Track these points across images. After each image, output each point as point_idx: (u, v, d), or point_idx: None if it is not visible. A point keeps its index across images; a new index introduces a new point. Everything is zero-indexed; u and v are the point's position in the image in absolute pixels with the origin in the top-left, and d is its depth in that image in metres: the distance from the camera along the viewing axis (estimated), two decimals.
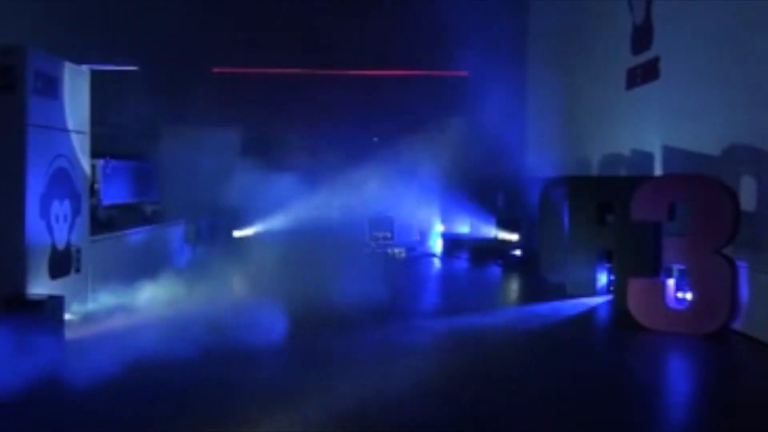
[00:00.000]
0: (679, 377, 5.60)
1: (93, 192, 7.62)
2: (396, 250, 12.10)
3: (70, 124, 6.54)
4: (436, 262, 11.35)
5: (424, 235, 12.57)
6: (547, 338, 6.41)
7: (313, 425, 4.06)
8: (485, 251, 10.92)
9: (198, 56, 13.86)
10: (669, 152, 8.28)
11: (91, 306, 6.80)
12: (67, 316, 5.91)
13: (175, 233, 10.02)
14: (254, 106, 13.51)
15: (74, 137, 6.63)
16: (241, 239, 11.81)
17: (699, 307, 6.31)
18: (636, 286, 6.70)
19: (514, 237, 11.01)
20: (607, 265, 8.01)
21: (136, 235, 8.45)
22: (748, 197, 6.59)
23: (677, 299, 6.74)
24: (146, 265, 8.55)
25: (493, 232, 11.44)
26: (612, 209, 7.71)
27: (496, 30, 12.43)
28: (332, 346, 5.79)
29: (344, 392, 4.62)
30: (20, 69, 5.73)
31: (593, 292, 8.02)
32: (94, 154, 7.38)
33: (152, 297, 7.54)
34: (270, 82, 14.14)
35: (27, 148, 5.79)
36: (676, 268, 6.87)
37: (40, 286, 5.90)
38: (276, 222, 12.07)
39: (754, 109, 6.64)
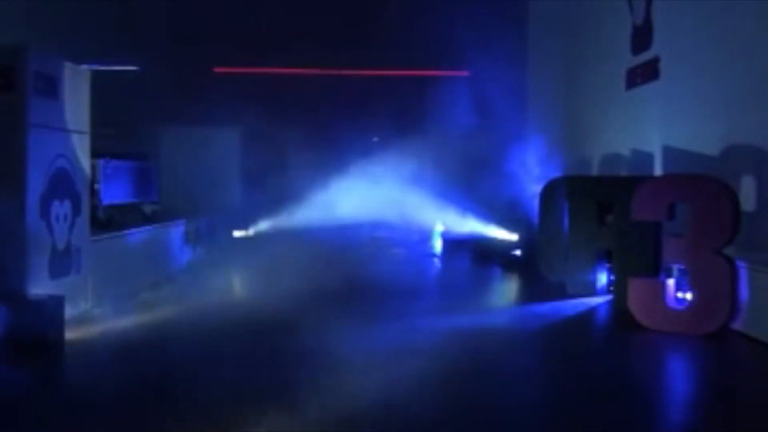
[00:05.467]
0: (679, 377, 5.60)
1: (93, 192, 7.60)
2: (396, 250, 12.10)
3: (70, 124, 6.54)
4: (436, 262, 11.35)
5: (424, 235, 12.57)
6: (547, 338, 6.41)
7: (313, 424, 4.06)
8: (485, 251, 10.91)
9: (198, 56, 13.86)
10: (669, 152, 8.29)
11: (91, 306, 6.80)
12: (67, 316, 5.90)
13: (175, 233, 10.02)
14: (255, 106, 13.51)
15: (74, 137, 6.63)
16: (241, 239, 11.83)
17: (699, 307, 6.31)
18: (636, 286, 6.70)
19: (514, 237, 11.01)
20: (607, 265, 8.01)
21: (136, 235, 8.44)
22: (748, 197, 6.59)
23: (677, 299, 6.74)
24: (146, 266, 8.56)
25: (493, 232, 11.43)
26: (612, 209, 7.71)
27: (496, 29, 12.42)
28: (332, 345, 5.78)
29: (344, 391, 4.62)
30: (20, 69, 5.73)
31: (593, 292, 8.02)
32: (94, 154, 7.38)
33: (153, 298, 7.56)
34: (270, 82, 14.15)
35: (27, 148, 5.79)
36: (676, 268, 6.87)
37: (40, 286, 5.90)
38: (276, 222, 12.08)
39: (754, 109, 6.64)
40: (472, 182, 12.18)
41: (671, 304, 6.60)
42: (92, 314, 6.65)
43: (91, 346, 5.72)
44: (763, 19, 6.53)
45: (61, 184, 6.35)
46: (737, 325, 6.28)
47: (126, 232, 8.26)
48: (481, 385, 4.97)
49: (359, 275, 9.80)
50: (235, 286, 8.18)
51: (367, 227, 13.05)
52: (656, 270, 6.81)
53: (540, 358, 5.88)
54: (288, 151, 13.16)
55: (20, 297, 5.64)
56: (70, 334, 5.74)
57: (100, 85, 7.30)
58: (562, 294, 8.07)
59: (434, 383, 4.89)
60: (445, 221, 12.31)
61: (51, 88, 6.14)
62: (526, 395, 4.79)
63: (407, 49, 13.56)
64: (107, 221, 8.17)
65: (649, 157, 8.71)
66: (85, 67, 6.96)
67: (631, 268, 6.97)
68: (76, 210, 6.63)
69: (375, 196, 12.76)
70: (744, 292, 6.21)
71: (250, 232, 12.11)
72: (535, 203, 9.39)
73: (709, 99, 7.44)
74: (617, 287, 7.42)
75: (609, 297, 7.84)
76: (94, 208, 7.68)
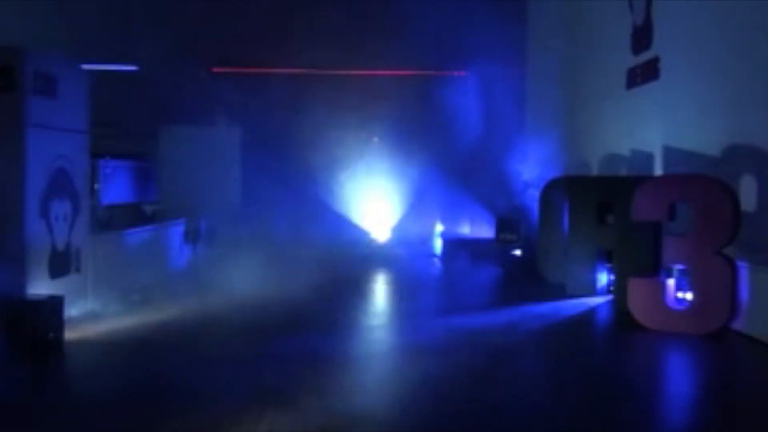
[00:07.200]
0: (679, 377, 5.60)
1: (93, 192, 7.60)
2: (396, 251, 12.10)
3: (70, 124, 6.54)
4: (436, 263, 11.35)
5: (424, 236, 12.57)
6: (547, 338, 6.41)
7: (313, 424, 4.05)
8: (485, 251, 10.91)
9: (198, 56, 13.85)
10: (669, 152, 8.28)
11: (90, 305, 6.79)
12: (66, 316, 5.90)
13: (175, 233, 10.02)
14: (255, 106, 13.51)
15: (74, 137, 6.63)
16: (241, 239, 11.81)
17: (699, 307, 6.31)
18: (636, 286, 6.70)
19: (513, 237, 11.00)
20: (607, 265, 8.01)
21: (135, 235, 8.44)
22: (748, 197, 6.59)
23: (677, 299, 6.74)
24: (146, 265, 8.56)
25: (492, 232, 11.43)
26: (612, 209, 7.71)
27: (496, 30, 12.42)
28: (332, 345, 5.79)
29: (345, 391, 4.62)
30: (20, 69, 5.73)
31: (593, 292, 8.02)
32: (94, 154, 7.38)
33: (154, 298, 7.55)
34: (270, 82, 14.14)
35: (27, 148, 5.79)
36: (676, 268, 6.87)
37: (40, 286, 5.90)
38: (275, 222, 12.07)
39: (754, 109, 6.64)
40: (472, 182, 12.18)
41: (671, 304, 6.60)
42: (92, 314, 6.65)
43: (91, 345, 5.71)
44: (763, 19, 6.53)
45: (61, 184, 6.35)
46: (737, 325, 6.28)
47: (126, 232, 8.25)
48: (481, 384, 4.97)
49: (359, 275, 9.80)
50: (236, 287, 8.18)
51: (367, 226, 13.04)
52: (656, 270, 6.81)
53: (540, 358, 5.88)
54: (287, 150, 13.16)
55: (20, 297, 5.64)
56: (70, 334, 5.74)
57: (100, 85, 7.30)
58: (562, 294, 8.07)
59: (434, 382, 4.89)
60: (445, 222, 12.31)
61: (51, 88, 6.14)
62: (526, 395, 4.79)
63: (407, 49, 13.56)
64: (107, 221, 8.16)
65: (649, 157, 8.71)
66: (85, 67, 6.96)
67: (631, 268, 6.97)
68: (76, 210, 6.63)
69: (374, 195, 12.77)
70: (744, 292, 6.21)
71: (251, 231, 12.09)
72: (535, 203, 9.39)
73: (709, 99, 7.44)
74: (617, 287, 7.42)
75: (609, 297, 7.84)
76: (94, 208, 7.68)
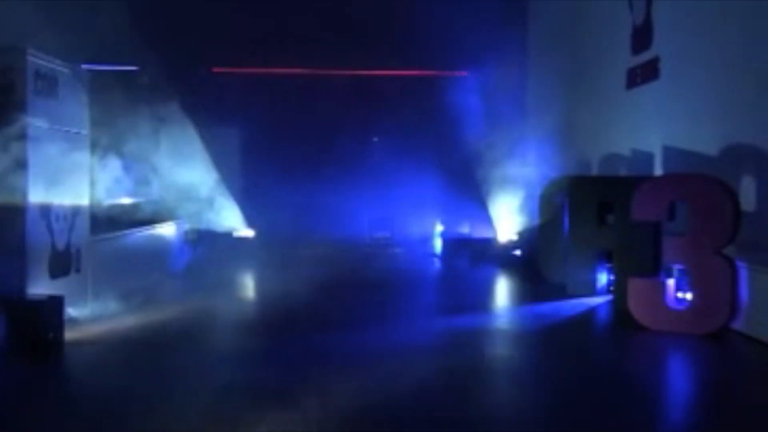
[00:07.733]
0: (679, 377, 5.60)
1: (93, 192, 7.60)
2: (396, 250, 12.11)
3: (70, 124, 6.54)
4: (436, 262, 11.35)
5: (424, 235, 12.57)
6: (547, 338, 6.41)
7: (313, 424, 4.06)
8: (485, 251, 10.91)
9: (198, 56, 13.86)
10: (669, 152, 8.29)
11: (90, 306, 6.79)
12: (66, 316, 5.90)
13: (175, 233, 10.02)
14: (255, 106, 13.51)
15: (74, 137, 6.63)
16: (241, 240, 11.83)
17: (699, 307, 6.31)
18: (636, 286, 6.70)
19: (514, 237, 11.01)
20: (607, 265, 8.01)
21: (136, 235, 8.44)
22: (748, 197, 6.59)
23: (677, 299, 6.74)
24: (146, 266, 8.56)
25: (492, 232, 11.44)
26: (612, 209, 7.71)
27: (497, 30, 12.42)
28: (333, 345, 5.79)
29: (344, 391, 4.62)
30: (20, 69, 5.73)
31: (593, 292, 8.02)
32: (94, 154, 7.38)
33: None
34: (270, 82, 14.15)
35: (27, 148, 5.78)
36: (676, 268, 6.87)
37: (40, 286, 5.90)
38: (276, 222, 12.08)
39: (754, 109, 6.64)
40: (472, 182, 12.19)
41: (671, 304, 6.60)
42: (92, 314, 6.65)
43: (90, 345, 5.71)
44: (763, 19, 6.54)
45: (61, 184, 6.34)
46: (737, 325, 6.28)
47: (126, 232, 8.25)
48: (481, 384, 4.97)
49: (358, 275, 9.81)
50: (235, 286, 8.19)
51: (367, 227, 13.05)
52: (656, 270, 6.81)
53: (540, 359, 5.88)
54: (287, 150, 13.17)
55: (20, 297, 5.63)
56: (69, 334, 5.74)
57: (100, 85, 7.30)
58: (562, 294, 8.07)
59: (434, 382, 4.89)
60: (445, 221, 12.32)
61: (51, 88, 6.14)
62: (526, 395, 4.79)
63: (407, 49, 13.57)
64: (107, 221, 8.16)
65: (649, 157, 8.71)
66: (85, 67, 6.96)
67: (631, 268, 6.97)
68: (76, 210, 6.63)
69: (374, 195, 12.77)
70: (744, 292, 6.21)
71: (251, 232, 12.11)
72: (535, 203, 9.40)
73: (709, 99, 7.44)
74: (617, 287, 7.42)
75: (609, 297, 7.84)
76: (93, 208, 7.68)
